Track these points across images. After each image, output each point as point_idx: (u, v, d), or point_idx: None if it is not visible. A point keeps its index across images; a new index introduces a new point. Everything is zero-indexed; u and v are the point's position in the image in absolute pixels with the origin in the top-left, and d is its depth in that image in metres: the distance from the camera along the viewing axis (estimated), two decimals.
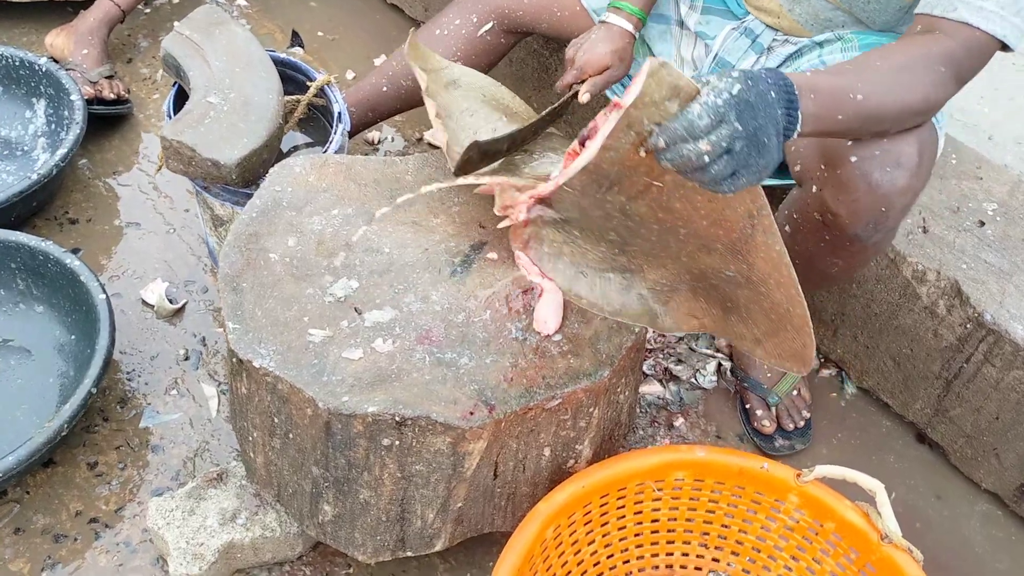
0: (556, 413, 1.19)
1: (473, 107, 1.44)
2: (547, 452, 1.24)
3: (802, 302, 1.05)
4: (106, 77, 1.99)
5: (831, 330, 1.66)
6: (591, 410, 1.23)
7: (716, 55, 1.50)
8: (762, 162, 0.93)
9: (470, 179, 1.19)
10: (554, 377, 1.19)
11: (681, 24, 1.56)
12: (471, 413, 1.13)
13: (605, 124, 0.96)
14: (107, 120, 2.00)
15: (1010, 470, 1.48)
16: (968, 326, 1.43)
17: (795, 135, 0.99)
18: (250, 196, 1.53)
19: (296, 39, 2.31)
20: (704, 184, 0.95)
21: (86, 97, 1.88)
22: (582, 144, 1.01)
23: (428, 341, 1.20)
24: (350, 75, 2.23)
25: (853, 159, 1.17)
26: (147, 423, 1.54)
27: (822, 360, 1.73)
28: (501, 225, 1.18)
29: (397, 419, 1.11)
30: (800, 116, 0.98)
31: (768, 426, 1.59)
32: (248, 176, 1.46)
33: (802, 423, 1.61)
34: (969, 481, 1.57)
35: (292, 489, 1.28)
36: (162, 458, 1.49)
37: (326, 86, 1.65)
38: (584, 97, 1.43)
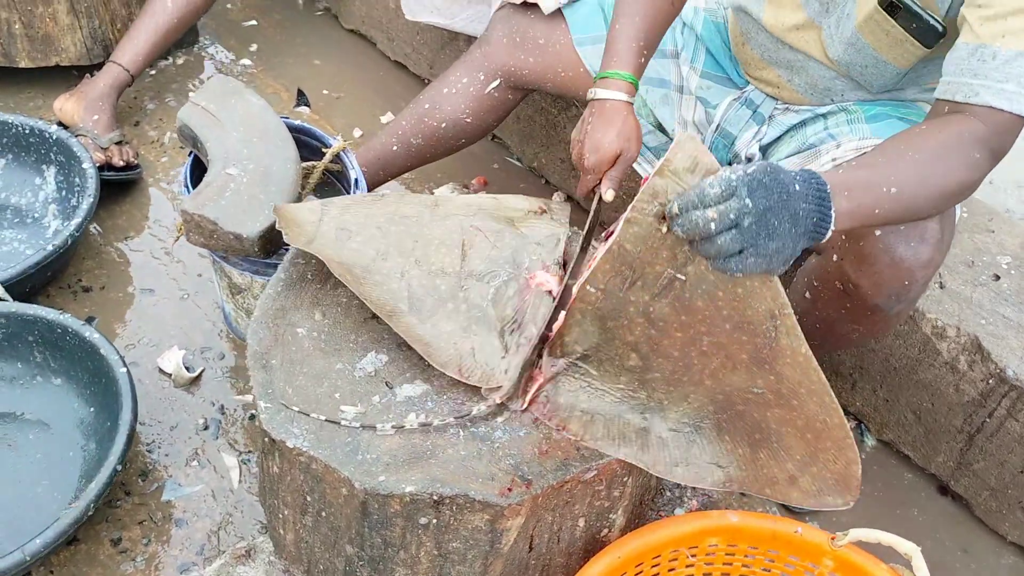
0: (591, 484, 1.19)
1: (382, 247, 1.31)
2: (581, 523, 1.24)
3: (838, 410, 1.05)
4: (116, 143, 2.00)
5: (849, 383, 1.67)
6: (625, 479, 1.23)
7: (718, 125, 1.51)
8: (772, 245, 0.95)
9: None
10: (588, 448, 1.19)
11: (681, 89, 1.58)
12: (509, 490, 1.12)
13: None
14: (117, 185, 2.00)
15: None
16: (990, 382, 1.44)
17: (830, 232, 1.00)
18: (270, 265, 1.54)
19: (302, 98, 2.32)
20: (712, 260, 0.98)
21: (97, 164, 1.88)
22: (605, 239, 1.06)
23: (461, 415, 1.20)
24: (357, 132, 2.24)
25: (878, 232, 1.19)
26: (169, 496, 1.52)
27: None
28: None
29: (435, 498, 1.11)
30: (834, 214, 1.00)
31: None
32: (270, 247, 1.46)
33: None
34: (994, 534, 1.57)
35: (323, 566, 1.27)
36: (186, 532, 1.48)
37: (341, 152, 1.66)
38: (608, 195, 1.32)
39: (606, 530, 1.27)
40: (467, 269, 1.31)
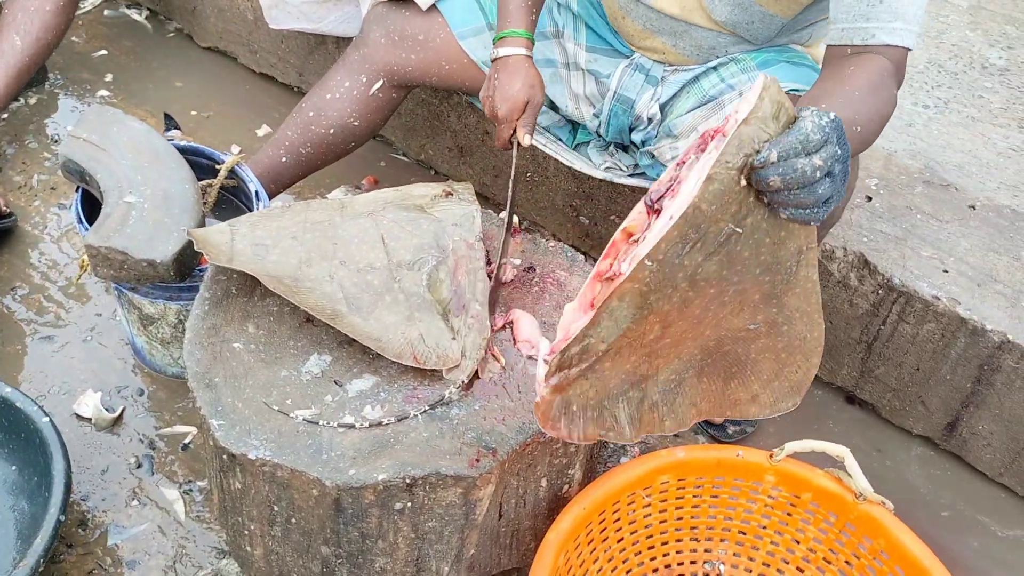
0: (550, 444, 1.24)
1: (303, 255, 1.33)
2: (544, 483, 1.29)
3: (822, 323, 1.05)
4: None
5: None
6: None
7: (616, 92, 1.59)
8: (843, 188, 0.96)
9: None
10: None
11: (568, 66, 1.64)
12: (477, 460, 1.16)
13: (706, 154, 0.94)
14: None
15: (936, 413, 1.64)
16: (880, 292, 1.58)
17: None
18: (184, 289, 1.51)
19: (170, 122, 2.26)
20: (801, 208, 0.93)
21: None
22: (653, 211, 0.99)
23: (416, 399, 1.23)
24: (235, 149, 2.20)
25: None
26: (115, 540, 1.48)
27: None
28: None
29: (408, 481, 1.13)
30: None
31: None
32: (184, 270, 1.44)
33: None
34: (901, 430, 1.73)
35: (297, 574, 1.27)
36: (141, 572, 1.44)
37: (236, 166, 1.64)
38: (526, 140, 1.45)
39: (566, 486, 1.33)
40: (395, 260, 1.34)
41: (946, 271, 1.57)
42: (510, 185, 1.44)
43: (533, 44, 1.49)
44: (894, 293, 1.56)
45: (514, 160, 1.46)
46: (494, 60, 1.49)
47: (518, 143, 1.47)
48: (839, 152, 0.92)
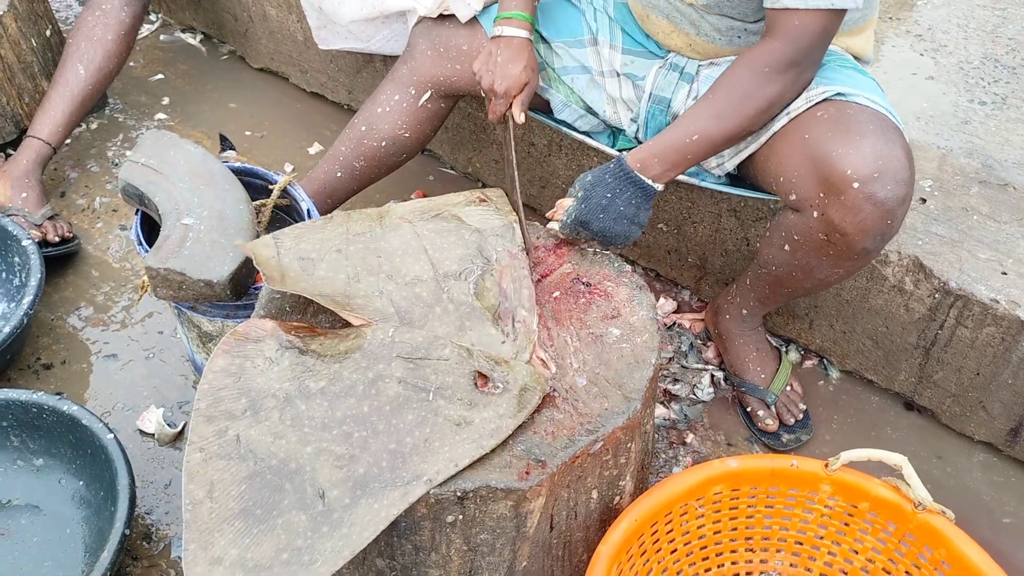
0: (600, 456, 1.24)
1: (350, 270, 1.35)
2: (595, 495, 1.29)
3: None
4: (48, 218, 1.97)
5: (807, 323, 1.77)
6: (629, 445, 1.28)
7: (651, 94, 1.59)
8: (626, 213, 1.39)
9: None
10: (591, 422, 1.24)
11: (603, 73, 1.65)
12: (527, 473, 1.17)
13: None
14: (56, 259, 1.97)
15: (998, 418, 1.60)
16: (936, 296, 1.54)
17: (658, 187, 1.40)
18: (240, 307, 1.55)
19: (225, 143, 2.31)
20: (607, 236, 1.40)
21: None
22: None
23: None
24: (288, 167, 2.26)
25: (856, 185, 1.28)
26: (179, 552, 1.52)
27: (803, 352, 1.83)
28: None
29: (459, 494, 1.15)
30: (650, 181, 1.38)
31: (772, 424, 1.67)
32: (240, 289, 1.47)
33: (800, 415, 1.70)
34: (962, 436, 1.68)
35: None
36: None
37: (288, 185, 1.68)
38: (520, 118, 1.53)
39: (618, 498, 1.33)
40: (441, 271, 1.35)
41: (1005, 273, 1.53)
42: (512, 161, 1.52)
43: (534, 27, 1.59)
44: (951, 297, 1.53)
45: (512, 141, 1.53)
46: (495, 37, 1.57)
47: (512, 122, 1.55)
48: (585, 208, 1.38)
